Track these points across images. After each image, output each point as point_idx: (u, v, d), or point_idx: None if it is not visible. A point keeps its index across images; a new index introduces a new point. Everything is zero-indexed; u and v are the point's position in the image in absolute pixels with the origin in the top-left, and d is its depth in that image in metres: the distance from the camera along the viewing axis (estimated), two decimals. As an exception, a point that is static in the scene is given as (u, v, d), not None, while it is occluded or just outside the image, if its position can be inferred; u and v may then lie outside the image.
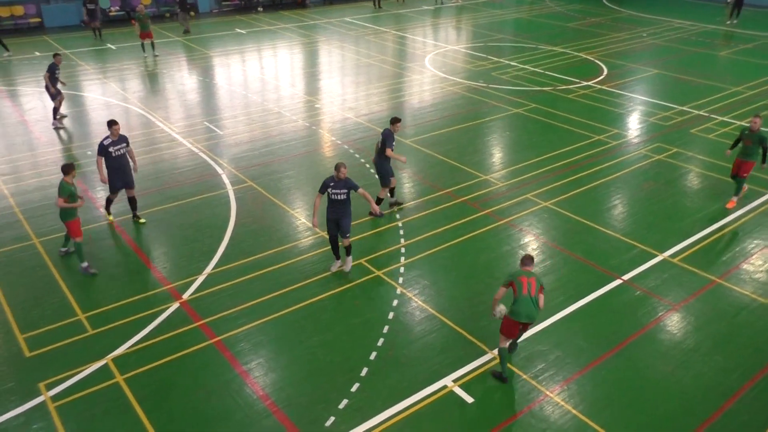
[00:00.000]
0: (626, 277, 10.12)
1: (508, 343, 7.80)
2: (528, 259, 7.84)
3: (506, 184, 13.26)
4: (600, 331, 8.91)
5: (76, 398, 7.56)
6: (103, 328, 8.77)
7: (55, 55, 16.65)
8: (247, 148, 14.98)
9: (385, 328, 8.87)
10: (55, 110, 16.43)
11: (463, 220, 11.74)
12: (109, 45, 24.86)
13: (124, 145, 11.26)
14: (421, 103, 18.60)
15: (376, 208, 10.41)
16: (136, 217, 11.71)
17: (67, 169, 9.91)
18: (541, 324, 8.96)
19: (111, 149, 10.99)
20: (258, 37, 26.80)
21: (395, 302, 9.44)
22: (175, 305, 9.28)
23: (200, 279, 9.92)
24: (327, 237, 10.19)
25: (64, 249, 10.65)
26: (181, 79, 20.67)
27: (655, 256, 10.70)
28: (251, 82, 20.61)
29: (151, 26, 23.07)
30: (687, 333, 8.93)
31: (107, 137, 11.03)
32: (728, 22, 30.03)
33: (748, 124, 12.46)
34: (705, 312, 9.35)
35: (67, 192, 9.77)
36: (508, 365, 8.07)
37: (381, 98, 18.82)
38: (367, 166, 13.94)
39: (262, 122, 16.75)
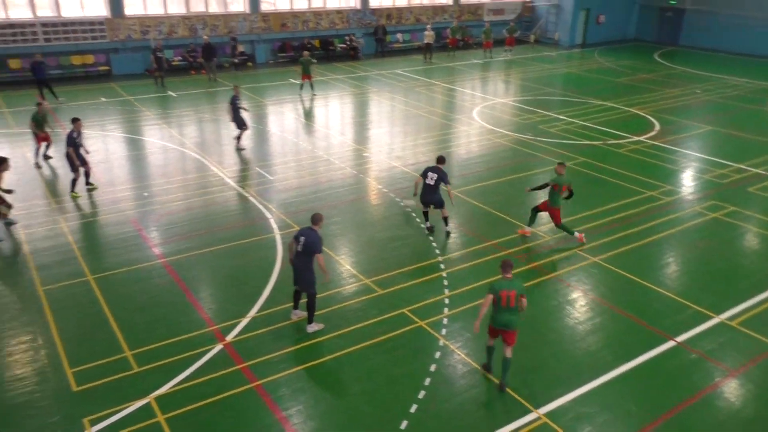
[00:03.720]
0: (680, 338, 9.70)
1: (492, 342, 8.64)
2: (507, 266, 8.34)
3: (554, 237, 13.05)
4: (651, 394, 8.52)
5: (118, 435, 7.64)
6: (148, 366, 8.90)
7: (234, 87, 18.54)
8: (296, 194, 15.27)
9: (427, 381, 8.70)
10: (239, 138, 18.65)
11: (508, 273, 11.54)
12: (170, 92, 26.08)
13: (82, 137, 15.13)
14: (468, 153, 18.69)
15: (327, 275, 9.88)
16: (89, 184, 15.44)
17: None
18: (589, 384, 8.64)
19: (78, 140, 14.88)
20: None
21: (438, 354, 9.28)
22: (219, 347, 9.36)
23: (244, 321, 10.01)
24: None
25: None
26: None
27: (711, 318, 10.26)
28: (303, 129, 21.17)
29: (312, 70, 25.97)
30: (746, 401, 8.45)
31: (73, 131, 14.81)
32: None
33: None
34: (766, 380, 8.85)
35: None
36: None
37: (428, 148, 19.00)
38: (413, 215, 13.99)
39: (311, 169, 17.10)
